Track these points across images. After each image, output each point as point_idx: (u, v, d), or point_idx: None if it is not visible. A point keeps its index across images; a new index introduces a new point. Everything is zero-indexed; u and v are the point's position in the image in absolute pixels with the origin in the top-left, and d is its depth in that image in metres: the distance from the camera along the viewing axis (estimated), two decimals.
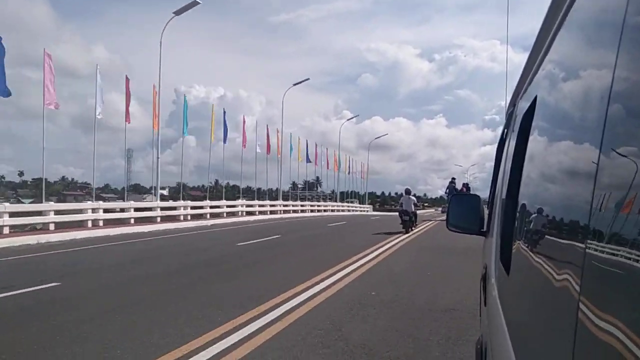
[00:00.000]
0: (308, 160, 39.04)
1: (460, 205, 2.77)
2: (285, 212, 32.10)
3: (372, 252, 10.92)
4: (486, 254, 2.39)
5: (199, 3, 22.34)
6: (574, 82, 0.93)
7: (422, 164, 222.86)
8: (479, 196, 2.78)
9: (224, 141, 30.44)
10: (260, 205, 30.03)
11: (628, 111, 0.59)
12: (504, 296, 1.45)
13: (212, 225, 20.73)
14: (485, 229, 2.54)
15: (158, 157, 23.30)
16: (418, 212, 19.07)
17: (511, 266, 1.36)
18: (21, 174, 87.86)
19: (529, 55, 1.60)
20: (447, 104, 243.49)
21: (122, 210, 19.05)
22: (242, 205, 28.06)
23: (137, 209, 19.58)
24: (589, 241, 0.63)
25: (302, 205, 35.86)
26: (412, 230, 16.96)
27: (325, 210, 39.36)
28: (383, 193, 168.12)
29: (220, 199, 28.89)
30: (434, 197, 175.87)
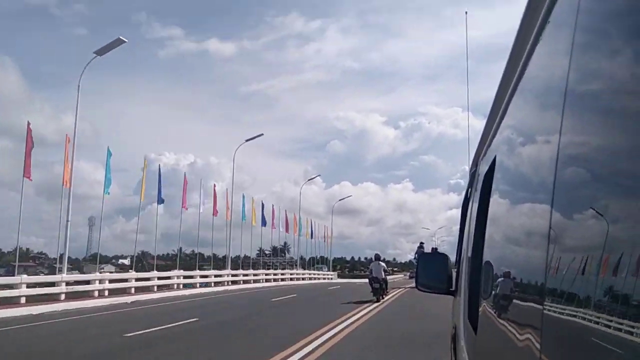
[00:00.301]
0: (263, 224, 37.69)
1: (429, 265, 2.78)
2: (234, 282, 28.96)
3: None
4: (455, 313, 2.41)
5: (124, 41, 19.70)
6: (526, 147, 0.99)
7: (390, 229, 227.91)
8: (446, 255, 2.79)
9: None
10: (201, 277, 27.11)
11: (575, 173, 0.63)
12: (473, 356, 1.45)
13: (132, 302, 17.50)
14: (453, 288, 2.55)
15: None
16: (388, 277, 19.02)
17: (478, 326, 1.37)
18: None
19: (488, 117, 1.67)
20: (413, 169, 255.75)
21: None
22: (177, 277, 24.53)
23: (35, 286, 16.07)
24: (546, 302, 0.64)
25: (254, 275, 33.44)
26: (383, 298, 16.69)
27: (282, 279, 37.25)
28: (353, 258, 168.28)
29: (185, 267, 27.66)
30: (403, 261, 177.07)
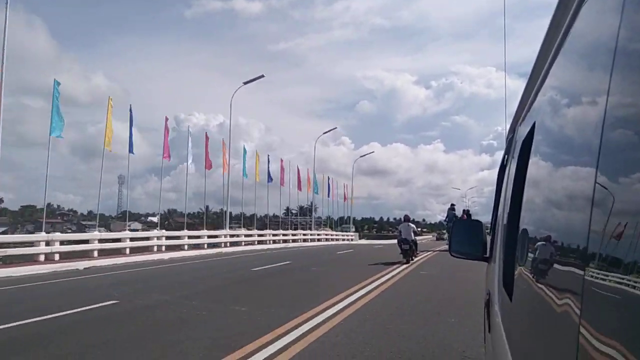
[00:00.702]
0: (270, 180, 36.77)
1: (463, 232, 2.82)
2: (247, 243, 29.09)
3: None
4: (489, 280, 2.42)
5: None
6: (570, 109, 0.97)
7: (420, 189, 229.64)
8: (481, 222, 2.79)
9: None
10: (209, 237, 26.76)
11: (623, 136, 0.61)
12: (508, 323, 1.47)
13: (169, 259, 18.73)
14: (488, 254, 2.58)
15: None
16: (417, 238, 18.63)
17: (514, 292, 1.39)
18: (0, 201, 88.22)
19: (527, 82, 1.65)
20: (445, 130, 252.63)
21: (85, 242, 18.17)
22: (188, 237, 24.63)
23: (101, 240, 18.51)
24: (588, 267, 0.64)
25: (259, 236, 32.09)
26: (412, 259, 16.48)
27: (294, 240, 35.36)
28: (381, 218, 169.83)
29: (212, 225, 28.14)
30: (432, 222, 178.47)
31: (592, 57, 0.83)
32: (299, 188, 39.68)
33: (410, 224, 16.94)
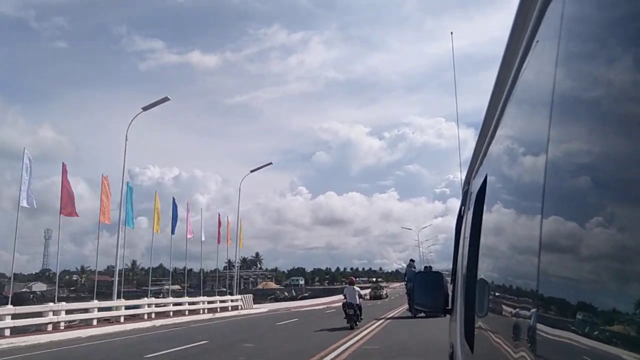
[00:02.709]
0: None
1: (425, 284, 2.97)
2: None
3: None
4: (452, 332, 2.56)
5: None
6: (517, 160, 1.04)
7: (377, 238, 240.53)
8: (441, 273, 3.00)
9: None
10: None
11: (566, 180, 0.66)
12: None
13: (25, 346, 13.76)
14: (450, 306, 2.70)
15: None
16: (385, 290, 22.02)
17: (474, 344, 1.52)
18: None
19: (478, 136, 1.80)
20: (399, 179, 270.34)
21: None
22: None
23: None
24: (539, 320, 0.69)
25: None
26: (356, 325, 16.54)
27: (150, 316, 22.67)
28: (338, 268, 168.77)
29: (138, 283, 23.63)
30: (389, 270, 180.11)
31: (531, 110, 0.91)
32: (219, 242, 35.95)
33: (355, 287, 17.54)
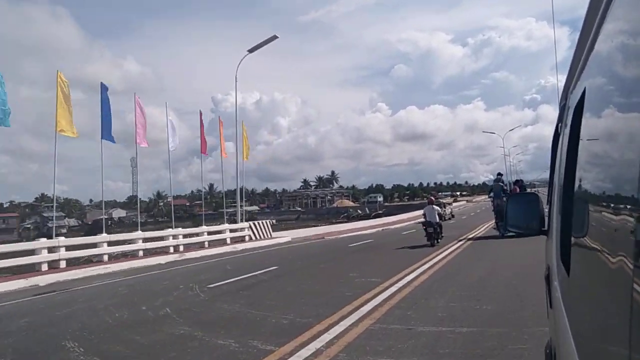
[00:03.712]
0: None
1: (519, 207, 3.01)
2: None
3: None
4: (548, 254, 2.55)
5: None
6: (619, 74, 1.00)
7: (462, 151, 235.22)
8: (537, 194, 3.06)
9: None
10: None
11: None
12: (567, 298, 1.57)
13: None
14: (546, 228, 2.72)
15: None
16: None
17: (571, 266, 1.49)
18: None
19: (576, 45, 1.71)
20: (485, 88, 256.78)
21: None
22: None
23: None
24: (638, 239, 0.68)
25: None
26: (437, 242, 17.24)
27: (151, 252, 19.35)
28: (421, 184, 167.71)
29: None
30: (476, 183, 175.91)
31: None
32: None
33: (434, 206, 17.79)
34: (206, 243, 21.35)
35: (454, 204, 70.22)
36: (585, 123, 1.39)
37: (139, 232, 18.52)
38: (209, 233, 22.00)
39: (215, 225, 25.09)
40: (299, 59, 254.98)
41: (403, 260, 12.71)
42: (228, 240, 22.66)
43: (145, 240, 18.32)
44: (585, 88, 1.42)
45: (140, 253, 17.76)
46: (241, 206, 25.74)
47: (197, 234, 21.52)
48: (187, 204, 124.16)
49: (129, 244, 17.71)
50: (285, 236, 26.22)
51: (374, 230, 31.67)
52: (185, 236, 20.59)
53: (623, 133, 0.89)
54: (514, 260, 11.58)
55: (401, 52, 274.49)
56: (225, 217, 27.29)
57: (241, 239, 23.82)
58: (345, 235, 28.00)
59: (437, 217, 17.34)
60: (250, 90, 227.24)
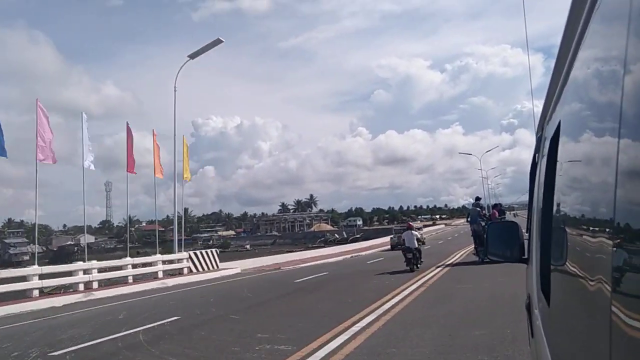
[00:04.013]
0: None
1: (499, 234, 3.05)
2: None
3: None
4: (528, 282, 2.58)
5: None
6: (593, 105, 1.02)
7: (442, 175, 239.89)
8: (517, 223, 2.98)
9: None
10: None
11: None
12: (547, 328, 1.60)
13: None
14: (526, 256, 2.73)
15: None
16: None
17: (551, 295, 1.51)
18: None
19: (551, 78, 1.77)
20: (462, 112, 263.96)
21: None
22: None
23: None
24: (622, 267, 0.67)
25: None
26: (417, 268, 17.19)
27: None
28: (401, 207, 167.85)
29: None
30: (455, 207, 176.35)
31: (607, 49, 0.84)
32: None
33: (413, 231, 18.13)
34: (130, 278, 17.82)
35: (430, 228, 67.89)
36: (561, 154, 1.44)
37: (35, 266, 14.90)
38: (134, 266, 18.48)
39: (154, 256, 21.21)
40: (279, 86, 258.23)
41: (346, 308, 9.75)
42: (160, 274, 19.17)
43: (43, 276, 14.70)
44: (560, 121, 1.48)
45: (35, 293, 14.23)
46: (216, 231, 23.06)
47: (118, 267, 17.98)
48: (162, 228, 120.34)
49: (20, 281, 14.21)
50: (234, 267, 22.92)
51: (341, 258, 29.25)
52: (101, 270, 16.94)
53: (598, 163, 0.91)
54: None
55: (381, 78, 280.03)
56: (200, 242, 24.87)
57: (178, 272, 20.35)
58: (306, 264, 25.05)
59: (415, 242, 17.65)
60: (231, 115, 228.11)
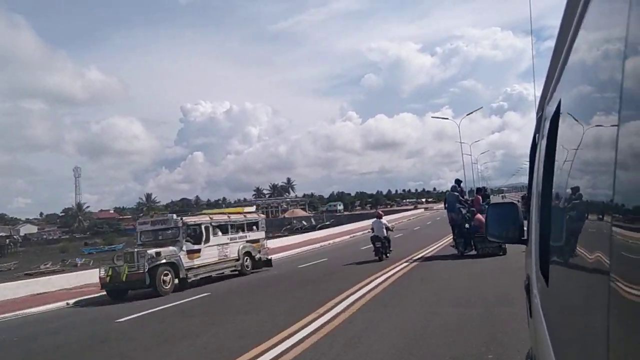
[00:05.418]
0: None
1: (499, 216, 3.12)
2: None
3: None
4: (527, 263, 2.67)
5: None
6: (593, 85, 1.05)
7: (432, 158, 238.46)
8: (516, 204, 3.16)
9: None
10: None
11: None
12: (546, 308, 1.66)
13: None
14: (525, 236, 2.84)
15: None
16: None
17: (549, 277, 1.57)
18: None
19: (552, 58, 1.78)
20: (453, 96, 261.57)
21: None
22: None
23: None
24: (620, 247, 0.68)
25: None
26: (386, 257, 17.39)
27: None
28: (390, 191, 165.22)
29: None
30: (443, 190, 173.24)
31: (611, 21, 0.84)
32: None
33: (382, 220, 18.23)
34: None
35: (406, 214, 63.19)
36: (561, 133, 1.47)
37: None
38: None
39: None
40: (270, 70, 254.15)
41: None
42: None
43: None
44: (560, 100, 1.50)
45: None
46: None
47: None
48: (119, 217, 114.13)
49: None
50: None
51: (308, 247, 25.85)
52: None
53: (598, 142, 0.92)
54: None
55: (371, 61, 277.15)
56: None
57: None
58: None
59: (384, 231, 17.70)
60: (220, 100, 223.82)
